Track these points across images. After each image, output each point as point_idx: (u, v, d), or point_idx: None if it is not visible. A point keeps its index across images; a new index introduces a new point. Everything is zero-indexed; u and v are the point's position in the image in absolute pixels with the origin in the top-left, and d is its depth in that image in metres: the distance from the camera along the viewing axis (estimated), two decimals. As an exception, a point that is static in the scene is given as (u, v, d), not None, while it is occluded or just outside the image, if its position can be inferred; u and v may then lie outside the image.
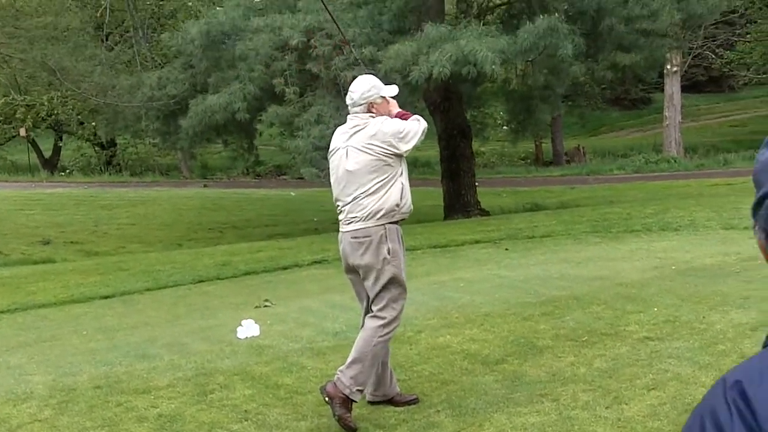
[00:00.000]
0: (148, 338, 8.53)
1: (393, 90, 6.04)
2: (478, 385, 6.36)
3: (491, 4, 19.20)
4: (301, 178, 36.38)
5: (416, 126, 5.89)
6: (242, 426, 5.86)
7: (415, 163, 36.30)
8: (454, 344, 7.50)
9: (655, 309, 7.88)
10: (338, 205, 5.97)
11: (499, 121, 27.93)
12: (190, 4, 39.13)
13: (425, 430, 5.61)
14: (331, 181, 6.07)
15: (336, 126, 14.19)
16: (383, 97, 5.93)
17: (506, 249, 11.53)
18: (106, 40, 32.72)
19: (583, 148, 41.07)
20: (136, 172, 39.52)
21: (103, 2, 31.25)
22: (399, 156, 5.76)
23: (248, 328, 8.35)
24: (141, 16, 36.65)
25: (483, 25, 14.41)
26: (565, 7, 15.05)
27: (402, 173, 5.84)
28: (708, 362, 6.45)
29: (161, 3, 39.99)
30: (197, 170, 39.77)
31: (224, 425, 5.89)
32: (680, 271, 9.41)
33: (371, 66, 14.26)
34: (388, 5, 15.40)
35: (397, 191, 5.76)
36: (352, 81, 13.10)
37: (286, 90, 15.03)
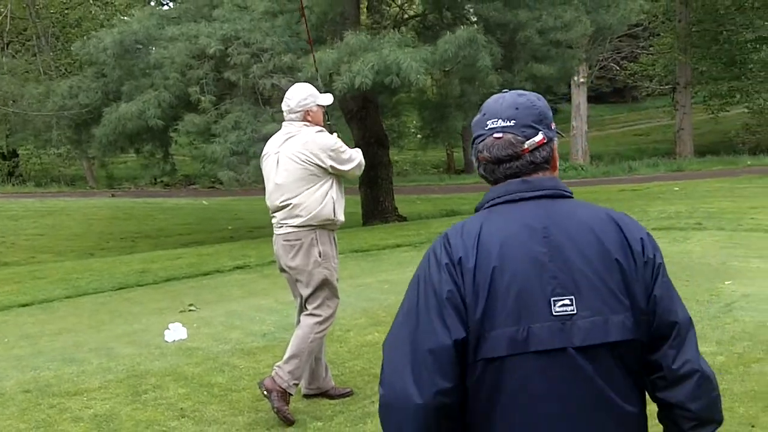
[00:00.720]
0: (73, 343, 8.48)
1: (328, 98, 6.18)
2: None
3: (405, 15, 19.52)
4: (212, 187, 36.39)
5: (357, 156, 6.08)
6: (180, 423, 5.94)
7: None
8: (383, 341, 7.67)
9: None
10: (270, 210, 6.09)
11: (413, 130, 28.25)
12: (94, 12, 38.74)
13: (361, 420, 5.79)
14: (265, 185, 6.19)
15: (253, 132, 14.33)
16: (319, 106, 6.07)
17: (426, 252, 11.72)
18: (7, 48, 32.03)
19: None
20: (40, 183, 38.69)
21: (3, 9, 30.69)
22: (324, 169, 5.88)
23: (176, 331, 8.39)
24: (44, 24, 36.09)
25: (400, 35, 14.61)
26: (475, 19, 15.35)
27: (332, 185, 5.97)
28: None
29: (66, 11, 39.42)
30: (103, 180, 39.21)
31: (162, 423, 5.96)
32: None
33: (291, 74, 14.39)
34: (306, 15, 15.49)
35: (329, 202, 5.91)
36: (271, 88, 13.17)
37: (202, 98, 15.03)
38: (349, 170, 6.01)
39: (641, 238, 2.31)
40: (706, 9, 39.24)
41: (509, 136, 2.36)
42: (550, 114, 2.46)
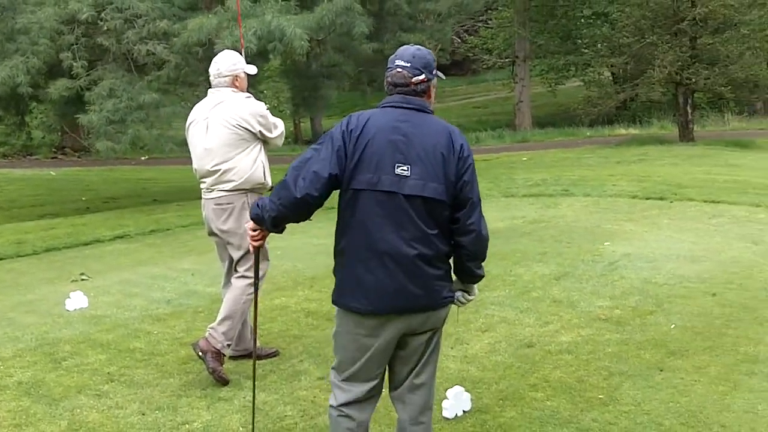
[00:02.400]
0: (-35, 315, 8.28)
1: (253, 69, 6.30)
2: (328, 336, 6.75)
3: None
4: (55, 157, 35.29)
5: (281, 124, 6.25)
6: (111, 386, 5.97)
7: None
8: (292, 305, 7.90)
9: (467, 266, 8.58)
10: (200, 175, 6.16)
11: (281, 99, 28.05)
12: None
13: (295, 377, 5.99)
14: (191, 152, 6.24)
15: (129, 99, 14.09)
16: (246, 73, 6.19)
17: (310, 219, 11.94)
18: None
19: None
20: None
21: None
22: (254, 134, 6.03)
23: (76, 300, 8.32)
24: None
25: (281, 1, 14.53)
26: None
27: (261, 150, 6.11)
28: (527, 307, 7.31)
29: None
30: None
31: (93, 387, 5.96)
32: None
33: (166, 40, 14.21)
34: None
35: (259, 166, 6.06)
36: (146, 55, 12.99)
37: (74, 64, 14.63)
38: (275, 137, 6.16)
39: (461, 144, 3.81)
40: (544, -16, 40.60)
41: (405, 72, 3.86)
42: (434, 63, 3.93)
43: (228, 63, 6.11)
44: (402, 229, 3.73)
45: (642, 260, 8.65)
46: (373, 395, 4.08)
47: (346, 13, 14.00)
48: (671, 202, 12.16)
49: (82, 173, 29.84)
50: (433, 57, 3.94)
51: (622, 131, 32.14)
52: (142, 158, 31.81)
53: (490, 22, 43.65)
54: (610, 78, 41.34)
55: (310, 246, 10.34)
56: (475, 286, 4.12)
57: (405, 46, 4.00)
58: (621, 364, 5.80)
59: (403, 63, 3.86)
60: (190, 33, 13.65)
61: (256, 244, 4.14)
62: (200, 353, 5.93)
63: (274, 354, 6.49)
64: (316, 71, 17.20)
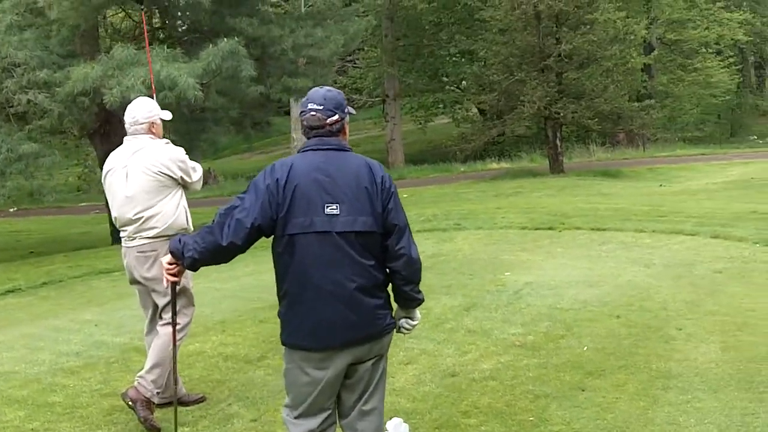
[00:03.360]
0: None
1: (168, 114, 6.33)
2: (253, 379, 6.85)
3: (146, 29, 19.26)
4: None
5: (199, 168, 6.31)
6: (40, 442, 5.85)
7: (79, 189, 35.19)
8: (208, 350, 7.86)
9: (375, 301, 8.73)
10: (120, 223, 6.13)
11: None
12: None
13: (227, 421, 5.99)
14: (109, 200, 6.21)
15: (8, 151, 13.72)
16: (162, 119, 6.23)
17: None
18: None
19: (213, 170, 41.82)
20: None
21: None
22: (176, 180, 6.06)
23: (-20, 358, 8.07)
24: None
25: (168, 48, 14.46)
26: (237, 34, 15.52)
27: (182, 195, 6.14)
28: (444, 338, 7.51)
29: None
30: None
31: (19, 444, 5.84)
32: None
33: (46, 89, 13.93)
34: (55, 29, 15.06)
35: (182, 211, 6.09)
36: (27, 104, 12.79)
37: (-50, 115, 14.24)
38: (195, 181, 6.20)
39: (382, 176, 4.08)
40: (410, 24, 41.44)
41: (319, 114, 4.07)
42: (344, 102, 4.16)
43: (144, 110, 6.13)
44: (339, 265, 3.96)
45: (544, 288, 8.98)
46: (327, 426, 4.23)
47: (231, 57, 14.07)
48: (560, 231, 12.61)
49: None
50: (343, 95, 4.20)
51: (495, 165, 33.02)
52: (11, 210, 30.81)
53: (357, 62, 44.15)
54: (478, 114, 42.56)
55: (214, 291, 10.29)
56: (417, 310, 4.37)
57: (315, 89, 4.23)
58: (544, 387, 6.04)
59: (315, 106, 4.08)
60: (75, 83, 13.43)
61: (171, 279, 4.32)
62: (130, 402, 5.88)
63: (202, 399, 6.46)
64: (200, 115, 17.16)
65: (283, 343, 4.14)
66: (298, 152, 4.14)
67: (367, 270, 4.00)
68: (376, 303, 4.06)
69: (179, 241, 4.09)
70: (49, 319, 9.93)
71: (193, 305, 6.29)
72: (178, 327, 6.03)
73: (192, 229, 6.14)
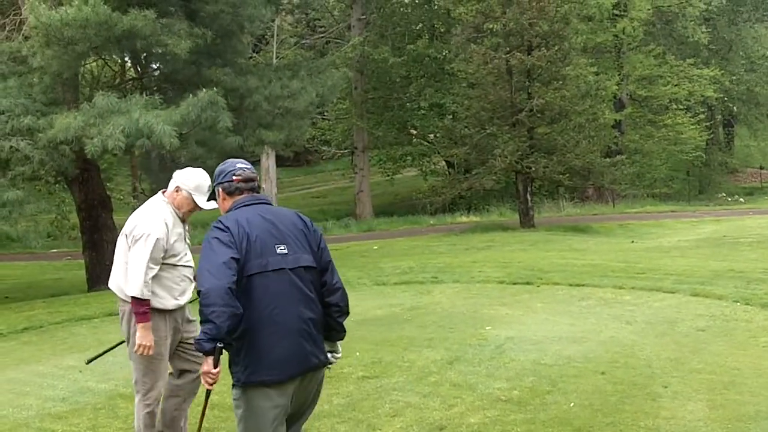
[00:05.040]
0: None
1: (205, 203, 6.04)
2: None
3: (124, 78, 19.37)
4: None
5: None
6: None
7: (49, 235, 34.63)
8: (194, 398, 7.79)
9: (358, 354, 8.77)
10: None
11: (131, 193, 27.60)
12: None
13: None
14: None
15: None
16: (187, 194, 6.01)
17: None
18: None
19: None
20: None
21: None
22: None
23: (-36, 403, 7.97)
24: None
25: (145, 96, 14.49)
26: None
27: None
28: (428, 391, 7.50)
29: None
30: None
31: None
32: (359, 322, 10.23)
33: (29, 136, 13.92)
34: (38, 77, 15.09)
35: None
36: (9, 151, 12.71)
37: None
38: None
39: (308, 220, 4.69)
40: (380, 78, 41.82)
41: (249, 171, 4.70)
42: None
43: (184, 177, 6.05)
44: (294, 299, 4.43)
45: (527, 342, 9.01)
46: None
47: (210, 107, 14.14)
48: (538, 286, 12.70)
49: None
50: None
51: (464, 219, 33.20)
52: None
53: (326, 113, 44.35)
54: (446, 167, 42.87)
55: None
56: (339, 343, 4.81)
57: (230, 160, 4.86)
58: (534, 443, 6.05)
59: (244, 165, 4.76)
60: (57, 132, 13.45)
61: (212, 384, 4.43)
62: None
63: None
64: (177, 165, 17.19)
65: (245, 382, 4.35)
66: (234, 209, 4.61)
67: (315, 303, 4.51)
68: (320, 334, 4.56)
69: (206, 333, 4.13)
70: (32, 365, 9.87)
71: (156, 370, 6.04)
72: (139, 396, 6.02)
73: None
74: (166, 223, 5.86)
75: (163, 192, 6.07)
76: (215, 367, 4.22)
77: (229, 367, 4.38)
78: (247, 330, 4.29)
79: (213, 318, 4.09)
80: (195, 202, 5.96)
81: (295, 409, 4.55)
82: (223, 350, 4.21)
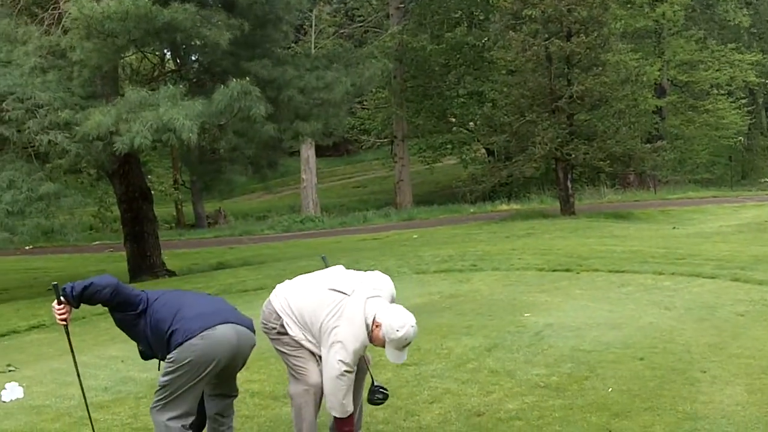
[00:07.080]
0: None
1: (395, 355, 5.70)
2: (280, 415, 6.94)
3: (163, 70, 19.59)
4: None
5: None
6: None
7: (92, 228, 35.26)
8: (234, 385, 7.93)
9: (397, 341, 8.80)
10: None
11: (172, 185, 27.90)
12: None
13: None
14: None
15: (30, 191, 13.86)
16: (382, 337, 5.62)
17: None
18: None
19: (223, 210, 42.17)
20: None
21: None
22: None
23: (12, 391, 8.14)
24: None
25: (174, 87, 14.61)
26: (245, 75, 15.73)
27: None
28: (467, 378, 7.55)
29: None
30: None
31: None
32: (399, 310, 10.32)
33: (67, 130, 14.14)
34: (77, 71, 15.31)
35: None
36: (48, 145, 12.86)
37: (-25, 155, 14.45)
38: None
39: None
40: (419, 66, 41.80)
41: None
42: None
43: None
44: None
45: (565, 329, 9.02)
46: None
47: (243, 97, 14.23)
48: (578, 273, 12.69)
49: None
50: None
51: (504, 207, 33.12)
52: (27, 247, 30.97)
53: (365, 103, 44.41)
54: (486, 155, 42.81)
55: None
56: None
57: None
58: (571, 428, 6.09)
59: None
60: (90, 130, 13.69)
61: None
62: None
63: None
64: (217, 155, 17.44)
65: None
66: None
67: None
68: None
69: None
70: (76, 355, 10.01)
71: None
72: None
73: None
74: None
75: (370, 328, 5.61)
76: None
77: None
78: None
79: None
80: (385, 348, 5.61)
81: None
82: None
